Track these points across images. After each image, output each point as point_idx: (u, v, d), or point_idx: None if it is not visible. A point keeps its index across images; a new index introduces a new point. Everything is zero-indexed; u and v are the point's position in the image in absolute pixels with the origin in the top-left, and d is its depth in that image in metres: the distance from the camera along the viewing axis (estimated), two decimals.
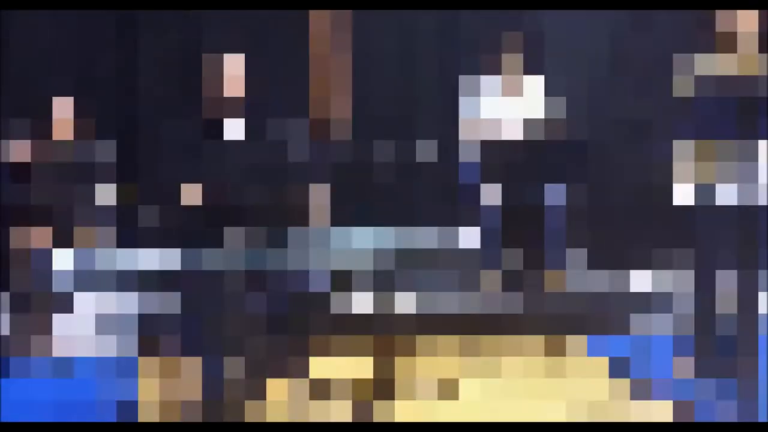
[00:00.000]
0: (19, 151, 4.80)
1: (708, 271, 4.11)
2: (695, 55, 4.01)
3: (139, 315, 4.83)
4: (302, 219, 3.45)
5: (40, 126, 4.93)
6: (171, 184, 3.84)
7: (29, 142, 4.87)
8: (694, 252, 4.09)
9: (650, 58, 6.28)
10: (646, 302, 4.91)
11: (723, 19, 3.92)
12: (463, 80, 5.48)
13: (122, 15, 5.95)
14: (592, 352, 4.77)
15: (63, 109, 4.90)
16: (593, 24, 6.47)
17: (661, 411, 3.88)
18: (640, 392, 3.98)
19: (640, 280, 4.27)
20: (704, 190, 4.05)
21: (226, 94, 3.94)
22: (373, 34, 6.25)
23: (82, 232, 4.84)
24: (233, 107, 3.94)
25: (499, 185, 5.15)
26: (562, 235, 5.30)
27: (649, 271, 4.73)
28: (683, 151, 4.15)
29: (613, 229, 6.38)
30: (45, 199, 4.75)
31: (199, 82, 4.02)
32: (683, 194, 4.11)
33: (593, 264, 6.00)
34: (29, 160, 4.82)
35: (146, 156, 5.77)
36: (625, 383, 4.18)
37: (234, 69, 4.01)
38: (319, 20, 5.97)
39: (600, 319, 4.79)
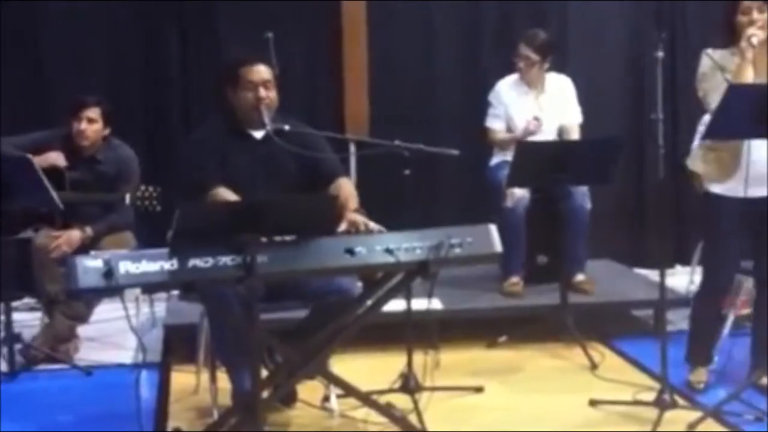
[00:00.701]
0: (52, 157, 4.87)
1: None
2: None
3: (165, 322, 4.90)
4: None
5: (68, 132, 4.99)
6: (196, 185, 3.85)
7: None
8: None
9: None
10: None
11: None
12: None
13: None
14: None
15: (92, 114, 4.95)
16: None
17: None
18: None
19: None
20: None
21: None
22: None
23: (110, 237, 4.92)
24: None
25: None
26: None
27: None
28: None
29: None
30: (74, 203, 4.82)
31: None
32: None
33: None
34: (62, 165, 4.89)
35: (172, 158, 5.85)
36: None
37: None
38: None
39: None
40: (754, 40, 3.86)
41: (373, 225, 3.68)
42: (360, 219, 3.69)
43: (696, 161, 4.22)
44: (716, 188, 4.02)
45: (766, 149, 3.86)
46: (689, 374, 4.30)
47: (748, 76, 3.87)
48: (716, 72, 3.92)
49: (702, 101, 4.00)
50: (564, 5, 6.40)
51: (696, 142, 4.58)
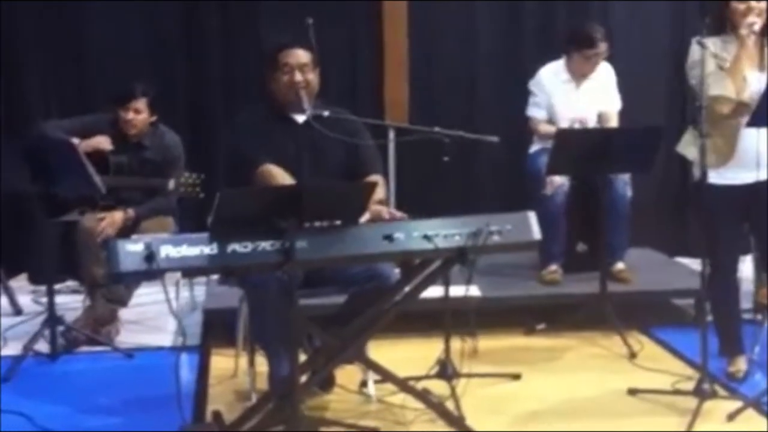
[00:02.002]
0: (96, 141, 4.91)
1: None
2: None
3: (205, 306, 4.94)
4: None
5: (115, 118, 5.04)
6: (245, 163, 3.88)
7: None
8: None
9: None
10: None
11: None
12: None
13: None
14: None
15: (139, 105, 5.00)
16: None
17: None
18: None
19: None
20: None
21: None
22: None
23: (151, 221, 4.97)
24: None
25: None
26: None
27: None
28: None
29: None
30: (118, 187, 4.87)
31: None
32: None
33: None
34: (107, 149, 4.94)
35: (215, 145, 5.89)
36: None
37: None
38: None
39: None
40: (756, 27, 3.87)
41: (399, 215, 3.68)
42: (384, 209, 3.70)
43: (688, 147, 4.15)
44: (711, 176, 3.97)
45: (761, 133, 3.88)
46: (728, 365, 4.26)
47: (745, 65, 3.89)
48: (709, 59, 3.90)
49: (693, 89, 3.97)
50: None
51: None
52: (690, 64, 4.00)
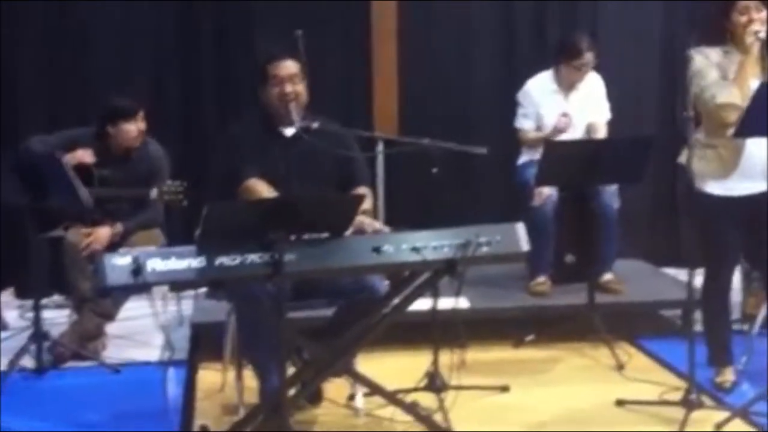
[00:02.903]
0: (80, 155, 4.90)
1: None
2: None
3: (192, 320, 4.92)
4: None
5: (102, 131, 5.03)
6: (231, 177, 3.88)
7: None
8: None
9: None
10: None
11: None
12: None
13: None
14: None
15: (141, 116, 5.00)
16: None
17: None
18: None
19: None
20: None
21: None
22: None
23: (139, 234, 4.94)
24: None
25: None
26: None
27: None
28: None
29: None
30: (104, 200, 4.85)
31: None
32: None
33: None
34: (90, 162, 4.92)
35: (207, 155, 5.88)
36: None
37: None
38: None
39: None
40: (762, 35, 3.89)
41: (378, 226, 3.68)
42: (366, 221, 3.69)
43: (691, 159, 4.14)
44: (713, 187, 3.98)
45: (762, 145, 3.87)
46: (716, 376, 4.26)
47: (750, 73, 3.90)
48: (711, 69, 3.92)
49: (696, 98, 3.98)
50: (596, 4, 6.37)
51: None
52: (692, 73, 4.01)
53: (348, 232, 3.46)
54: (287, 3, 5.98)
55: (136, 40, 6.04)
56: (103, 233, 4.82)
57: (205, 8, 6.09)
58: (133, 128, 4.96)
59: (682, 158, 4.12)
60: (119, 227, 4.87)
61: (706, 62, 3.95)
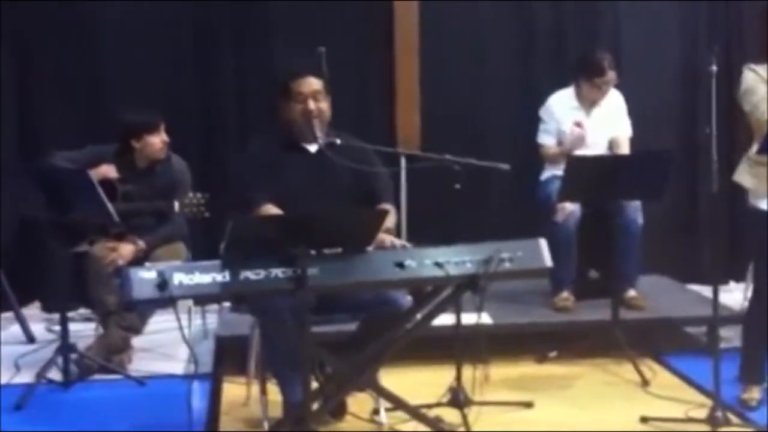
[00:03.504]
0: (103, 170, 4.94)
1: None
2: None
3: (217, 334, 4.94)
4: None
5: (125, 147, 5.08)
6: (244, 203, 3.91)
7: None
8: None
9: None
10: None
11: None
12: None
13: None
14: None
15: (162, 131, 5.06)
16: None
17: None
18: None
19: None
20: None
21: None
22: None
23: (163, 248, 4.98)
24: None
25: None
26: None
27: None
28: None
29: None
30: (127, 214, 4.89)
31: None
32: None
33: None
34: (114, 177, 4.97)
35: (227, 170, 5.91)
36: None
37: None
38: None
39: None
40: None
41: (399, 242, 3.69)
42: (387, 238, 3.71)
43: (743, 175, 4.14)
44: (765, 203, 3.97)
45: None
46: (742, 392, 4.24)
47: None
48: (761, 85, 3.90)
49: (749, 115, 3.96)
50: (617, 21, 6.37)
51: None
52: (743, 90, 3.99)
53: (370, 248, 3.48)
54: (307, 17, 6.02)
55: (154, 54, 6.08)
56: (126, 250, 4.86)
57: (224, 21, 6.13)
58: (158, 140, 5.01)
59: (736, 176, 4.11)
60: (141, 245, 4.91)
61: (757, 78, 3.92)
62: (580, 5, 6.35)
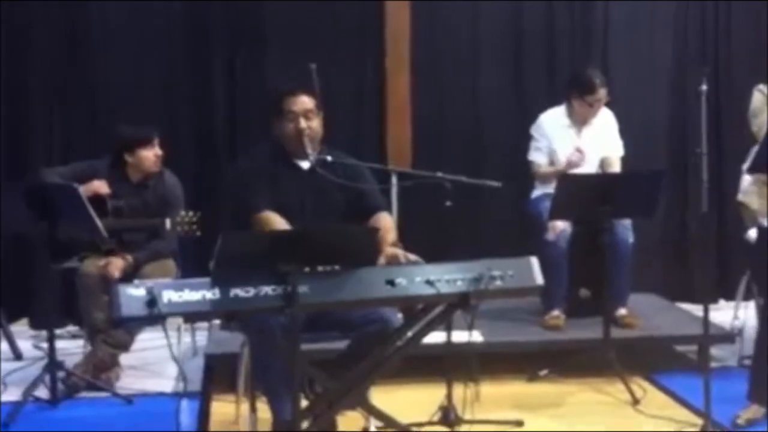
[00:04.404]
0: (95, 185, 4.93)
1: None
2: None
3: (206, 351, 4.92)
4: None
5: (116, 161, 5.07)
6: (243, 209, 3.90)
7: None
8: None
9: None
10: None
11: None
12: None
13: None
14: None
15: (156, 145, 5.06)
16: None
17: None
18: None
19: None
20: None
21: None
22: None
23: (152, 266, 4.96)
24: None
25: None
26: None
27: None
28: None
29: None
30: (118, 230, 4.87)
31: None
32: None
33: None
34: (105, 193, 4.95)
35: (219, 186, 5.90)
36: None
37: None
38: None
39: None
40: None
41: (412, 257, 3.68)
42: (399, 252, 3.70)
43: (750, 195, 4.13)
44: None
45: None
46: (745, 412, 4.18)
47: None
48: (766, 106, 3.89)
49: (755, 135, 3.96)
50: (606, 40, 6.40)
51: (745, 174, 4.52)
52: (751, 111, 3.99)
53: (381, 263, 3.47)
54: (299, 33, 6.03)
55: (147, 70, 6.09)
56: (117, 264, 4.84)
57: (217, 37, 6.14)
58: (151, 154, 5.01)
59: (741, 196, 4.10)
60: (130, 260, 4.88)
61: (764, 100, 3.92)
62: (572, 24, 6.37)
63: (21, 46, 5.94)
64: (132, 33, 6.03)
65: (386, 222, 3.99)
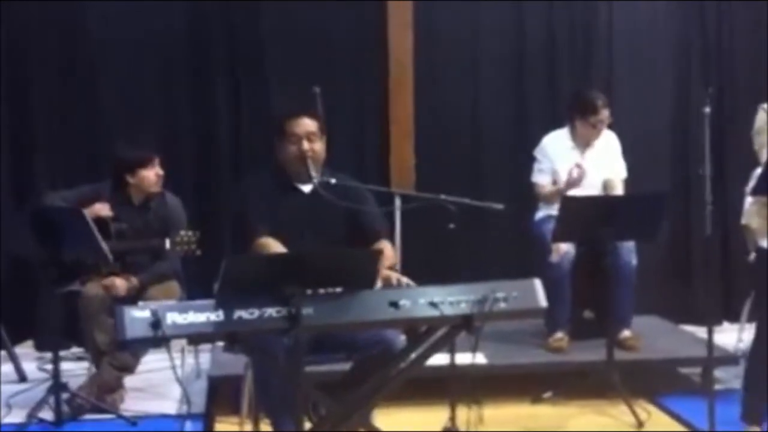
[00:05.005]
0: (97, 208, 4.94)
1: None
2: None
3: (210, 373, 4.92)
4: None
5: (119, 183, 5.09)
6: (243, 234, 3.92)
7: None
8: None
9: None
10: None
11: None
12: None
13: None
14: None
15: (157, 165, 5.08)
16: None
17: None
18: None
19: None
20: None
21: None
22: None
23: (156, 288, 4.97)
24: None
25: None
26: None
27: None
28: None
29: None
30: (120, 252, 4.88)
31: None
32: None
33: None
34: (107, 216, 4.97)
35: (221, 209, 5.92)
36: None
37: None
38: None
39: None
40: None
41: (405, 280, 3.69)
42: (393, 275, 3.71)
43: (751, 216, 4.13)
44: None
45: None
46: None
47: None
48: None
49: (756, 154, 3.97)
50: (610, 61, 6.42)
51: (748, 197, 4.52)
52: (755, 129, 3.99)
53: (378, 286, 3.48)
54: (303, 55, 6.08)
55: (149, 92, 6.13)
56: (123, 283, 4.85)
57: (220, 59, 6.17)
58: (152, 174, 5.03)
59: (744, 218, 4.09)
60: (135, 282, 4.90)
61: (766, 119, 3.92)
62: (574, 46, 6.40)
63: (23, 70, 5.98)
64: (135, 57, 6.07)
65: (386, 248, 3.99)
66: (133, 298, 4.81)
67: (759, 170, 3.97)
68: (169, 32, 6.11)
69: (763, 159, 3.86)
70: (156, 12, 6.03)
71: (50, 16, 5.99)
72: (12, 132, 5.97)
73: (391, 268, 3.80)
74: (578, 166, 5.27)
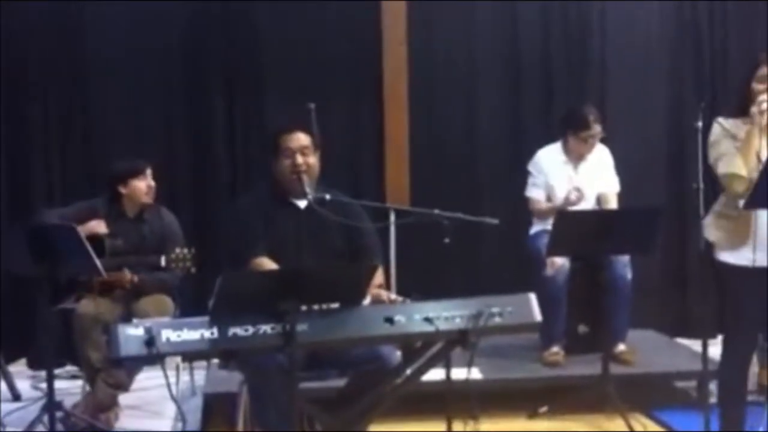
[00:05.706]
0: (92, 225, 4.94)
1: None
2: None
3: (205, 391, 4.91)
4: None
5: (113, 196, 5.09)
6: (238, 256, 3.91)
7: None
8: None
9: None
10: None
11: None
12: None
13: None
14: None
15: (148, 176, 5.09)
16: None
17: None
18: None
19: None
20: None
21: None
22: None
23: (149, 302, 4.96)
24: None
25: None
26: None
27: None
28: None
29: None
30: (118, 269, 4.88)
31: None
32: None
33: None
34: (102, 233, 4.96)
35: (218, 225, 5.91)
36: None
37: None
38: None
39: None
40: (765, 106, 3.80)
41: (394, 297, 3.69)
42: (383, 293, 3.72)
43: (709, 229, 4.12)
44: (728, 256, 3.96)
45: None
46: None
47: (756, 144, 3.84)
48: (726, 139, 3.90)
49: (713, 167, 3.98)
50: (603, 76, 6.44)
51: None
52: (710, 143, 4.00)
53: (366, 303, 3.48)
54: (298, 71, 6.09)
55: (146, 108, 6.13)
56: (125, 277, 4.88)
57: (216, 76, 6.18)
58: (143, 185, 5.06)
59: (705, 231, 4.10)
60: (135, 279, 4.90)
61: (722, 132, 3.93)
62: (568, 61, 6.42)
63: (22, 88, 5.99)
64: (131, 75, 6.07)
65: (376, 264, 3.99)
66: (130, 298, 4.81)
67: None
68: (166, 49, 6.12)
69: (718, 171, 3.87)
70: (152, 28, 6.05)
71: (48, 35, 6.01)
72: (6, 151, 5.96)
73: (380, 287, 3.80)
74: (577, 189, 5.28)
